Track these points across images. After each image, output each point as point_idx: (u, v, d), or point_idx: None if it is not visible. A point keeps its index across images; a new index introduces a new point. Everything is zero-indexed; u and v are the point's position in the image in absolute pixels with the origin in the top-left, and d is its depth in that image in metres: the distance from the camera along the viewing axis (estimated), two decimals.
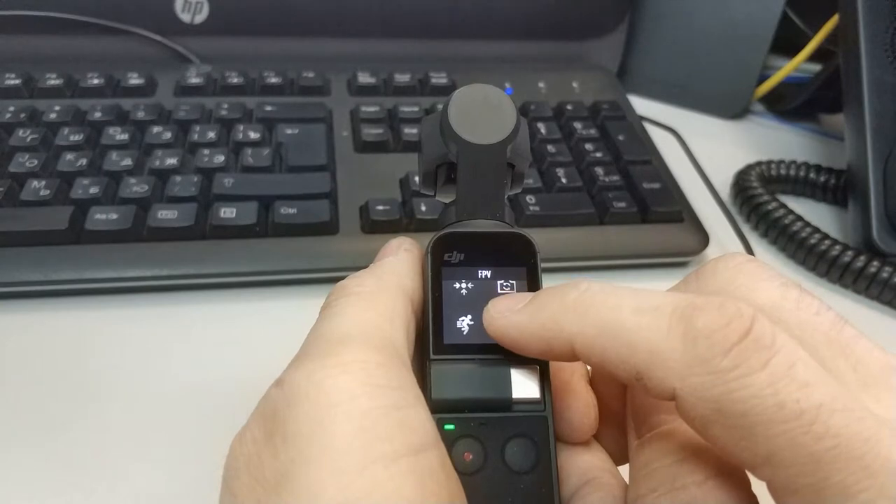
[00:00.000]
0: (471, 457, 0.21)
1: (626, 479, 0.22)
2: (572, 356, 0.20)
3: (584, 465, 0.22)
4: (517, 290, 0.23)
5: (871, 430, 0.15)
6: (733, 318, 0.17)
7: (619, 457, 0.23)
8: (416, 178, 0.44)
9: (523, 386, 0.22)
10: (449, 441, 0.20)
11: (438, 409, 0.21)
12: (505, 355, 0.22)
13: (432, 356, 0.22)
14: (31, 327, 0.37)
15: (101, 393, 0.34)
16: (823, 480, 0.15)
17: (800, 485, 0.16)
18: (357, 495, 0.16)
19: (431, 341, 0.22)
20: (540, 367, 0.22)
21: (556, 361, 0.23)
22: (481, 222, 0.24)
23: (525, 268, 0.23)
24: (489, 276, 0.23)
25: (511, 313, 0.21)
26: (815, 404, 0.16)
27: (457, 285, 0.23)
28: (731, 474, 0.19)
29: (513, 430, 0.21)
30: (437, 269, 0.23)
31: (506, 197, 0.25)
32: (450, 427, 0.21)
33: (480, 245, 0.23)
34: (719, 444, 0.17)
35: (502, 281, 0.23)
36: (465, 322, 0.22)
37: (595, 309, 0.19)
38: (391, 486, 0.16)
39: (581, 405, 0.22)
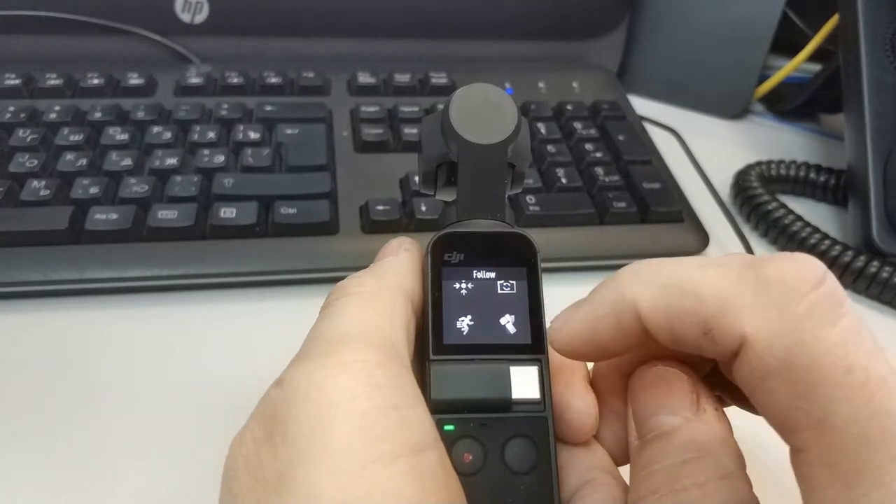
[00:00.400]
0: (470, 457, 0.21)
1: (626, 479, 0.22)
2: (639, 326, 0.19)
3: (583, 466, 0.22)
4: (517, 291, 0.23)
5: None
6: (806, 265, 0.17)
7: (620, 457, 0.23)
8: (417, 178, 0.44)
9: (523, 386, 0.22)
10: (449, 441, 0.20)
11: (438, 409, 0.21)
12: (505, 355, 0.22)
13: (432, 356, 0.22)
14: (31, 327, 0.37)
15: (102, 393, 0.34)
16: (864, 461, 0.15)
17: (839, 459, 0.15)
18: (357, 495, 0.16)
19: (431, 341, 0.22)
20: (540, 367, 0.22)
21: (555, 360, 0.23)
22: (481, 222, 0.24)
23: (525, 268, 0.23)
24: (489, 276, 0.23)
25: (572, 314, 0.21)
26: (881, 376, 0.15)
27: (457, 285, 0.23)
28: (733, 475, 0.19)
29: (513, 431, 0.21)
30: (437, 269, 0.23)
31: (506, 197, 0.25)
32: (449, 427, 0.21)
33: (480, 245, 0.23)
34: (773, 398, 0.17)
35: (502, 281, 0.23)
36: (464, 322, 0.22)
37: (656, 268, 0.19)
38: (391, 486, 0.16)
39: (581, 405, 0.22)
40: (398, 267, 0.23)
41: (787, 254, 0.17)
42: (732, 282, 0.17)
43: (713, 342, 0.18)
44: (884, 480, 0.15)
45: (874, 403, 0.15)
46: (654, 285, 0.19)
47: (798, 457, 0.16)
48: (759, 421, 0.23)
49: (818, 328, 0.16)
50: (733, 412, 0.22)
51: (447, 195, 0.26)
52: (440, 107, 0.28)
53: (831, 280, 0.17)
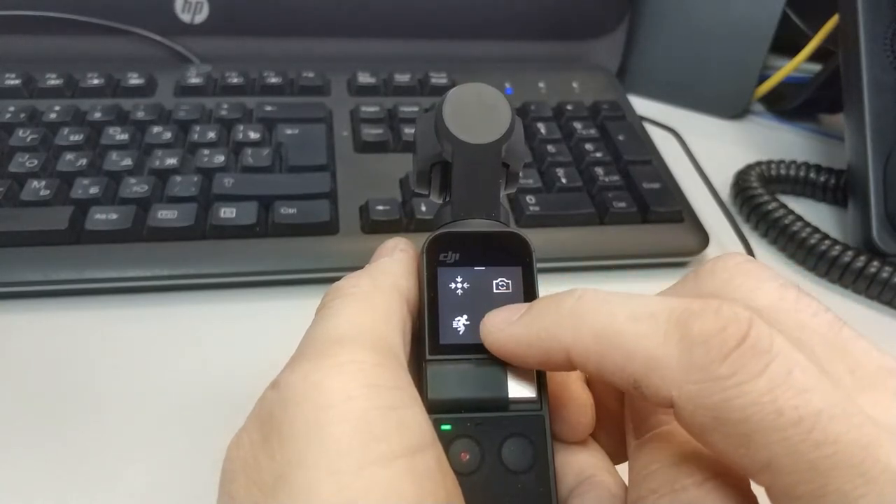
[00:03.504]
0: (468, 457, 0.21)
1: (624, 477, 0.22)
2: (569, 366, 0.19)
3: (581, 464, 0.22)
4: (513, 290, 0.23)
5: (870, 436, 0.15)
6: (730, 322, 0.17)
7: (617, 455, 0.23)
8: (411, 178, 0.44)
9: (519, 385, 0.22)
10: (446, 441, 0.20)
11: (435, 409, 0.21)
12: None
13: (428, 356, 0.22)
14: (31, 327, 0.38)
15: (101, 393, 0.34)
16: (822, 487, 0.15)
17: (799, 492, 0.16)
18: (354, 496, 0.16)
19: (427, 342, 0.22)
20: None
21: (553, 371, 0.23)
22: (476, 222, 0.24)
23: (520, 267, 0.23)
24: (485, 275, 0.23)
25: (507, 325, 0.21)
26: (814, 411, 0.15)
27: (452, 285, 0.23)
28: (731, 475, 0.19)
29: (509, 430, 0.21)
30: (433, 270, 0.23)
31: (501, 196, 0.25)
32: (446, 427, 0.21)
33: (475, 245, 0.23)
34: (718, 450, 0.17)
35: (498, 280, 0.23)
36: (460, 322, 0.22)
37: (590, 317, 0.19)
38: (388, 487, 0.16)
39: (578, 404, 0.22)
40: (393, 267, 0.23)
41: (712, 307, 0.17)
42: (659, 342, 0.17)
43: (644, 397, 0.18)
44: (849, 498, 0.15)
45: (814, 435, 0.15)
46: (586, 335, 0.19)
47: (768, 492, 0.17)
48: None
49: (743, 384, 0.16)
50: None
51: (442, 195, 0.26)
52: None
53: (756, 331, 0.16)
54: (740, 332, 0.16)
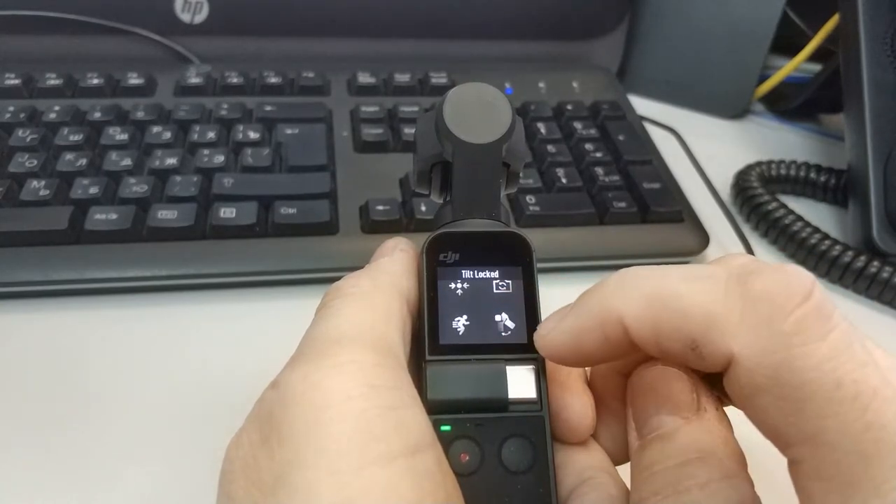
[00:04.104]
0: (467, 457, 0.20)
1: (625, 479, 0.22)
2: (628, 339, 0.19)
3: (581, 465, 0.22)
4: (513, 290, 0.23)
5: None
6: (793, 278, 0.16)
7: (618, 456, 0.23)
8: (411, 178, 0.44)
9: (520, 386, 0.22)
10: (445, 442, 0.20)
11: (435, 409, 0.20)
12: (501, 355, 0.22)
13: (428, 357, 0.22)
14: (31, 327, 0.37)
15: (101, 393, 0.34)
16: (860, 473, 0.15)
17: (834, 472, 0.15)
18: (353, 496, 0.16)
19: (427, 342, 0.22)
20: (536, 366, 0.22)
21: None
22: (476, 222, 0.24)
23: (521, 267, 0.23)
24: (485, 275, 0.23)
25: (558, 323, 0.21)
26: (871, 389, 0.15)
27: (452, 285, 0.23)
28: (734, 476, 0.18)
29: (509, 431, 0.21)
30: (433, 270, 0.23)
31: (501, 196, 0.25)
32: (446, 428, 0.21)
33: (475, 245, 0.23)
34: (764, 415, 0.17)
35: (498, 280, 0.23)
36: (460, 322, 0.22)
37: (641, 281, 0.19)
38: (387, 487, 0.16)
39: (578, 405, 0.22)
40: (393, 267, 0.23)
41: (775, 266, 0.17)
42: (719, 298, 0.17)
43: (701, 358, 0.18)
44: (881, 490, 0.15)
45: (866, 416, 0.15)
46: (638, 299, 0.18)
47: (794, 469, 0.16)
48: None
49: (806, 344, 0.16)
50: (734, 412, 0.22)
51: (442, 195, 0.26)
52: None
53: (819, 293, 0.16)
54: (805, 289, 0.16)
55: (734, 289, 0.17)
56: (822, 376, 0.15)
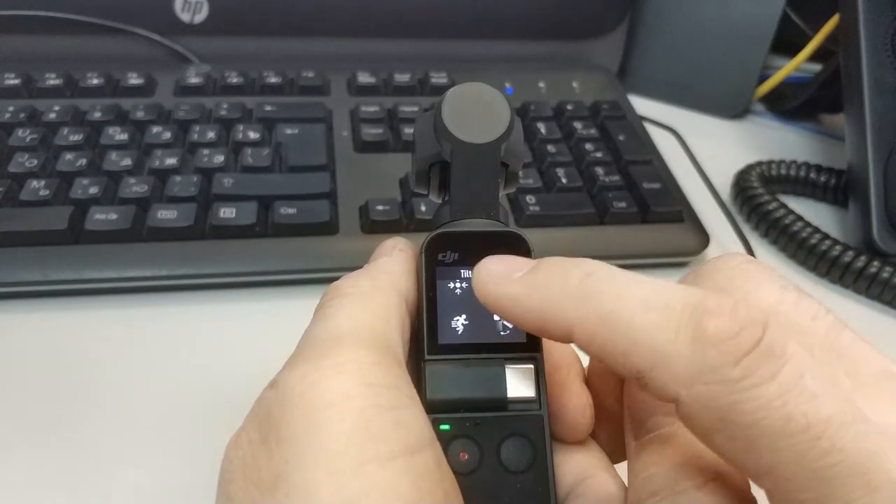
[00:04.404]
0: (466, 457, 0.20)
1: (623, 477, 0.22)
2: (568, 340, 0.19)
3: (580, 464, 0.22)
4: None
5: (876, 444, 0.15)
6: (746, 325, 0.16)
7: (616, 455, 0.23)
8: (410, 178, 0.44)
9: (518, 385, 0.22)
10: (444, 441, 0.20)
11: (434, 409, 0.20)
12: (500, 354, 0.22)
13: (427, 356, 0.22)
14: (31, 327, 0.38)
15: (100, 393, 0.34)
16: (826, 495, 0.15)
17: (801, 498, 0.15)
18: (352, 496, 0.16)
19: (426, 341, 0.22)
20: (535, 366, 0.22)
21: (550, 359, 0.23)
22: (475, 221, 0.24)
23: None
24: None
25: (507, 281, 0.20)
26: (824, 418, 0.15)
27: (451, 285, 0.23)
28: (731, 477, 0.18)
29: (508, 430, 0.21)
30: (432, 269, 0.23)
31: (500, 196, 0.25)
32: (445, 427, 0.21)
33: (474, 244, 0.23)
34: (721, 451, 0.17)
35: None
36: (459, 322, 0.22)
37: (599, 297, 0.18)
38: (386, 487, 0.16)
39: (577, 404, 0.22)
40: (392, 267, 0.23)
41: (728, 305, 0.17)
42: (670, 338, 0.17)
43: (646, 388, 0.17)
44: None
45: (822, 443, 0.15)
46: (592, 317, 0.18)
47: (768, 496, 0.17)
48: None
49: (754, 388, 0.16)
50: None
51: (440, 195, 0.26)
52: None
53: (771, 332, 0.16)
54: (756, 335, 0.16)
55: (686, 330, 0.17)
56: (771, 413, 0.15)
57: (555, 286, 0.19)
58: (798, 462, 0.15)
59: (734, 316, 0.16)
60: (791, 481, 0.15)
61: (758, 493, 0.19)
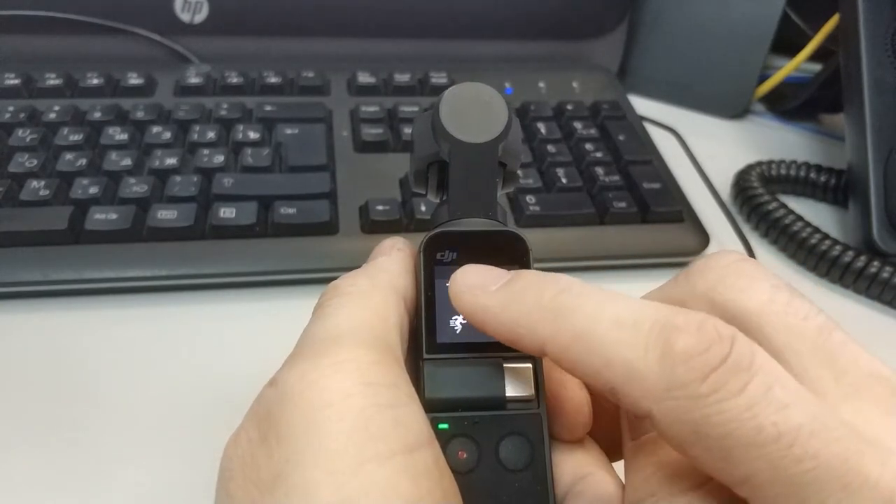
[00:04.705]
0: (465, 455, 0.20)
1: (621, 475, 0.22)
2: (541, 355, 0.19)
3: (578, 463, 0.22)
4: None
5: (851, 449, 0.15)
6: (713, 342, 0.16)
7: (615, 453, 0.23)
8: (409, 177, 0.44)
9: (517, 384, 0.22)
10: (443, 440, 0.20)
11: (432, 408, 0.20)
12: (498, 354, 0.22)
13: (426, 355, 0.22)
14: (31, 327, 0.38)
15: (101, 393, 0.34)
16: (804, 500, 0.15)
17: None
18: (351, 494, 0.16)
19: (424, 340, 0.22)
20: (534, 365, 0.22)
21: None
22: (473, 221, 0.24)
23: (518, 266, 0.23)
24: None
25: (482, 293, 0.20)
26: (794, 426, 0.15)
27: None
28: None
29: (507, 429, 0.21)
30: (430, 268, 0.23)
31: (498, 195, 0.25)
32: (444, 426, 0.21)
33: (472, 243, 0.23)
34: (699, 463, 0.17)
35: None
36: (458, 321, 0.22)
37: (572, 315, 0.18)
38: (385, 485, 0.16)
39: (575, 403, 0.22)
40: (391, 266, 0.23)
41: (695, 322, 0.17)
42: (640, 355, 0.17)
43: (620, 404, 0.18)
44: None
45: (794, 451, 0.15)
46: (565, 335, 0.18)
47: (749, 503, 0.17)
48: None
49: (723, 401, 0.16)
50: None
51: (439, 194, 0.26)
52: None
53: (738, 347, 0.16)
54: (723, 352, 0.16)
55: (654, 347, 0.17)
56: (742, 425, 0.16)
57: (529, 301, 0.19)
58: (773, 470, 0.15)
59: (702, 333, 0.17)
60: (768, 489, 0.16)
61: None
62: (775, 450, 0.15)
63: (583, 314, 0.18)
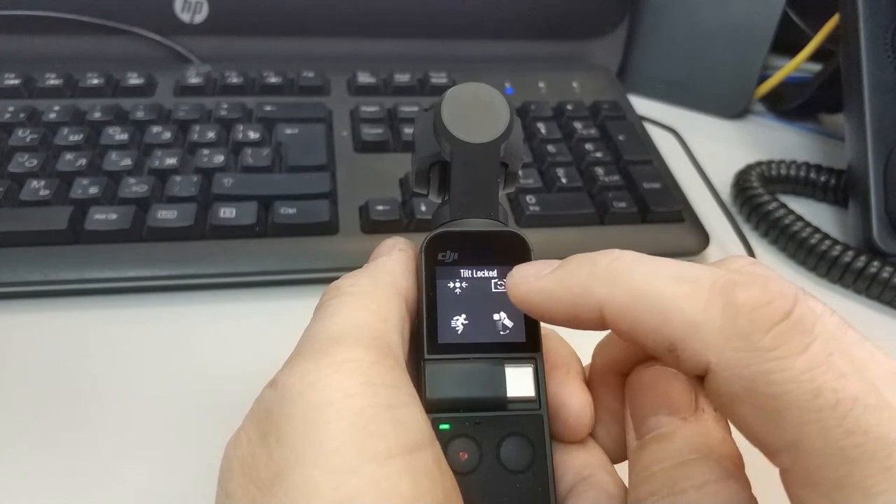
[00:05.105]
0: (466, 456, 0.20)
1: (623, 477, 0.22)
2: (601, 324, 0.19)
3: (579, 463, 0.22)
4: None
5: None
6: (776, 296, 0.16)
7: (616, 455, 0.23)
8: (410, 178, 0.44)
9: (518, 384, 0.22)
10: (444, 440, 0.20)
11: (433, 408, 0.20)
12: (500, 354, 0.22)
13: (427, 356, 0.22)
14: (31, 327, 0.37)
15: (101, 393, 0.34)
16: (845, 477, 0.15)
17: (820, 478, 0.15)
18: (351, 494, 0.16)
19: (426, 341, 0.22)
20: (535, 365, 0.22)
21: (550, 358, 0.23)
22: (475, 221, 0.24)
23: None
24: (483, 274, 0.23)
25: (536, 279, 0.20)
26: (851, 397, 0.15)
27: (451, 284, 0.23)
28: (731, 477, 0.18)
29: (508, 429, 0.21)
30: (431, 269, 0.23)
31: (499, 195, 0.25)
32: (445, 427, 0.21)
33: (474, 244, 0.23)
34: (745, 423, 0.17)
35: (496, 279, 0.23)
36: (459, 321, 0.22)
37: (629, 275, 0.18)
38: (385, 485, 0.16)
39: (576, 403, 0.22)
40: (392, 266, 0.23)
41: (759, 279, 0.17)
42: (701, 307, 0.17)
43: (677, 361, 0.18)
44: (870, 493, 0.15)
45: (847, 422, 0.15)
46: (623, 293, 0.18)
47: (784, 476, 0.17)
48: None
49: (784, 358, 0.16)
50: None
51: (440, 194, 0.26)
52: None
53: (801, 307, 0.16)
54: (786, 306, 0.16)
55: (716, 299, 0.17)
56: (800, 387, 0.15)
57: (583, 273, 0.19)
58: (823, 438, 0.15)
59: (765, 288, 0.17)
60: (812, 458, 0.15)
61: (759, 494, 0.19)
62: (830, 417, 0.15)
63: (640, 274, 0.18)
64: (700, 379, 0.18)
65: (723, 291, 0.17)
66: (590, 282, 0.19)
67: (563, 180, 0.46)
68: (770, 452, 0.17)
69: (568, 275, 0.20)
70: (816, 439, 0.15)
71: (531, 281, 0.20)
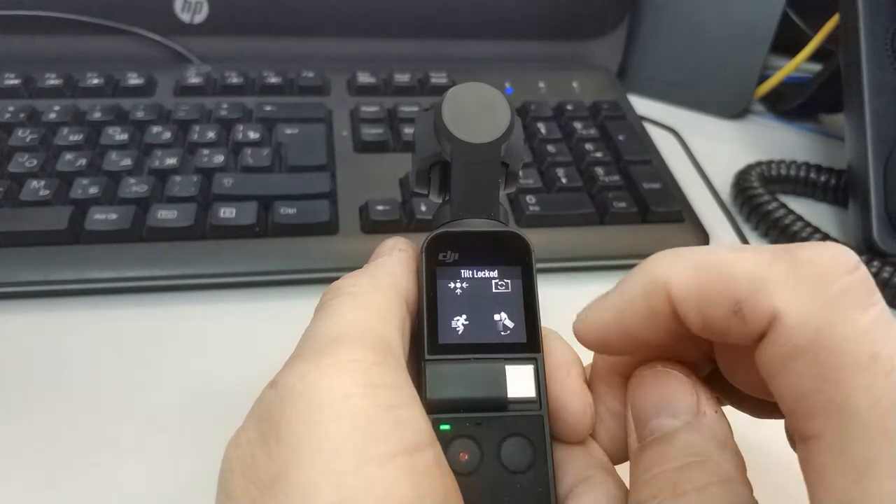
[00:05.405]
0: (467, 457, 0.20)
1: (623, 477, 0.22)
2: (670, 310, 0.19)
3: (580, 464, 0.22)
4: (512, 289, 0.23)
5: None
6: (840, 252, 0.17)
7: (617, 456, 0.23)
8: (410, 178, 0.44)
9: (519, 385, 0.22)
10: (444, 441, 0.20)
11: (434, 409, 0.20)
12: (500, 354, 0.22)
13: (427, 356, 0.22)
14: (31, 327, 0.37)
15: (100, 393, 0.34)
16: (881, 450, 0.15)
17: (852, 448, 0.15)
18: (351, 495, 0.16)
19: (426, 341, 0.22)
20: (535, 366, 0.22)
21: (550, 358, 0.23)
22: (475, 221, 0.24)
23: (520, 266, 0.23)
24: (484, 275, 0.23)
25: (601, 302, 0.21)
26: None
27: (452, 285, 0.23)
28: (732, 480, 0.18)
29: (508, 430, 0.21)
30: (432, 269, 0.23)
31: (500, 196, 0.25)
32: (445, 427, 0.21)
33: (474, 244, 0.23)
34: (795, 380, 0.16)
35: (497, 280, 0.23)
36: (459, 322, 0.22)
37: (689, 253, 0.19)
38: (386, 486, 0.16)
39: (577, 404, 0.22)
40: (392, 267, 0.23)
41: (821, 242, 0.17)
42: (766, 263, 0.17)
43: (743, 321, 0.18)
44: None
45: None
46: (686, 267, 0.19)
47: (808, 445, 0.16)
48: (760, 424, 0.23)
49: (849, 312, 0.16)
50: (734, 415, 0.22)
51: (441, 194, 0.26)
52: None
53: (864, 269, 0.17)
54: (851, 263, 0.17)
55: (781, 257, 0.17)
56: (860, 347, 0.15)
57: (639, 271, 0.20)
58: (870, 406, 0.15)
59: (826, 246, 0.17)
60: (853, 426, 0.15)
61: (761, 497, 0.19)
62: (883, 385, 0.15)
63: (698, 251, 0.19)
64: (718, 376, 0.18)
65: (786, 250, 0.17)
66: (652, 268, 0.20)
67: (563, 180, 0.46)
68: (807, 415, 0.16)
69: (627, 279, 0.20)
70: (864, 405, 0.15)
71: (594, 310, 0.21)
